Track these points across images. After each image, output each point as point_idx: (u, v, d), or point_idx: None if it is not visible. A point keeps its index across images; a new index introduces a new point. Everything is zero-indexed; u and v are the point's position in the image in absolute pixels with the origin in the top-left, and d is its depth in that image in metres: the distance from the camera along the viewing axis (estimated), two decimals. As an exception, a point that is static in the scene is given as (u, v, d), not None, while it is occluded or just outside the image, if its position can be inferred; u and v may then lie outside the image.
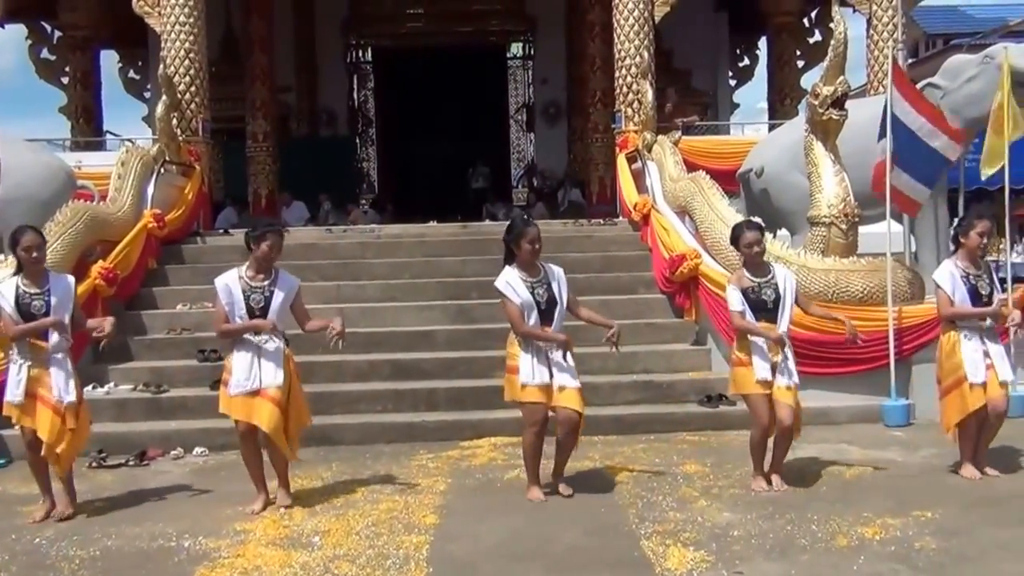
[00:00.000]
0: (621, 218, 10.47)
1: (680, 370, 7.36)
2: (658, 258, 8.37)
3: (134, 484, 5.60)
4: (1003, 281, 6.85)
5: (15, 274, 4.94)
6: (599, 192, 13.66)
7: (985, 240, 5.19)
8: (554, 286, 4.93)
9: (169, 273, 8.90)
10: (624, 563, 4.00)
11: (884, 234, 7.18)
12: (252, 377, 4.82)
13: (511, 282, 4.88)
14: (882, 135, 6.96)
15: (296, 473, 5.62)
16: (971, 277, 5.16)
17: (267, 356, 4.85)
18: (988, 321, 5.16)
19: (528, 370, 4.84)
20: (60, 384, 4.82)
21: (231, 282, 4.91)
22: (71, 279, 5.17)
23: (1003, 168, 7.25)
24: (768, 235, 7.42)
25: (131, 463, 6.05)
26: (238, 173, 13.71)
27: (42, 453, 4.83)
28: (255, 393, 4.83)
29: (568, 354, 4.94)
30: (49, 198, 7.99)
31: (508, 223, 5.18)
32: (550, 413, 4.96)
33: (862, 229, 7.33)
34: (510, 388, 4.96)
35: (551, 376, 4.86)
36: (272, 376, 4.83)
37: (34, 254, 4.86)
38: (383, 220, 13.80)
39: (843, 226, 7.06)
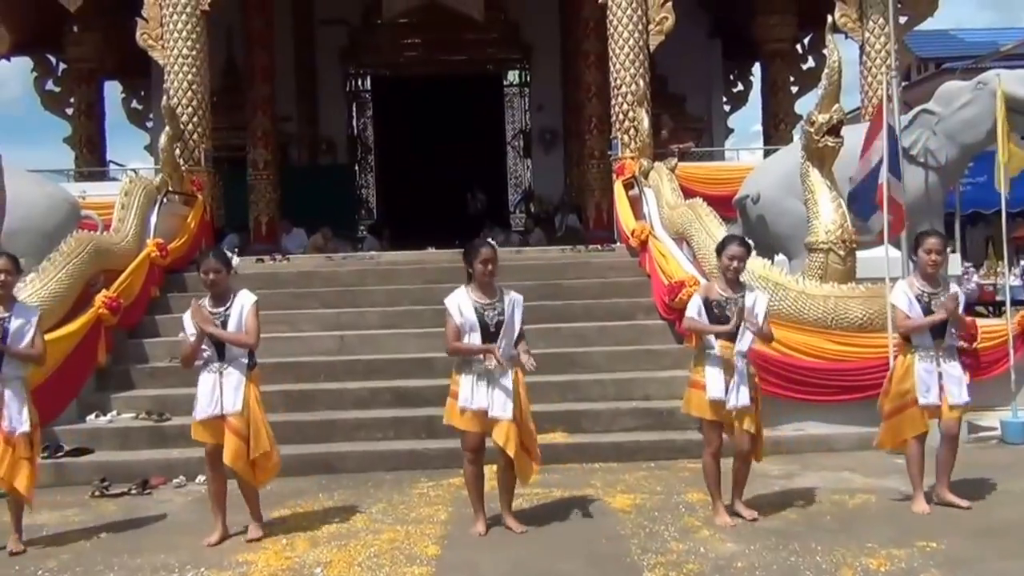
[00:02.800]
0: (619, 244, 10.53)
1: (680, 397, 7.27)
2: (657, 284, 8.42)
3: (137, 513, 5.60)
4: (1000, 304, 6.91)
5: None
6: (596, 218, 13.73)
7: (934, 257, 5.13)
8: (507, 311, 4.84)
9: (171, 301, 8.93)
10: (627, 593, 4.00)
11: (882, 258, 7.26)
12: (214, 403, 4.82)
13: (459, 301, 4.85)
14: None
15: (298, 502, 5.64)
16: (926, 295, 5.12)
17: (227, 383, 4.82)
18: (945, 341, 5.10)
19: (467, 394, 4.78)
20: (12, 415, 4.79)
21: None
22: (36, 311, 5.12)
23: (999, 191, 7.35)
24: (765, 261, 7.52)
25: (134, 491, 6.05)
26: (239, 201, 13.79)
27: None
28: (219, 419, 4.83)
29: (512, 382, 4.78)
30: (53, 229, 8.06)
31: (467, 246, 5.05)
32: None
33: (859, 254, 7.40)
34: (449, 412, 4.91)
35: (489, 403, 4.76)
36: (232, 403, 4.80)
37: (2, 278, 4.84)
38: (382, 247, 13.88)
39: (841, 252, 7.13)
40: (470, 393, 4.78)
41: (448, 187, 17.29)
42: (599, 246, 10.80)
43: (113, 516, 5.54)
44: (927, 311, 5.10)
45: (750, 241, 5.50)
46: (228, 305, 4.91)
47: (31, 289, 6.94)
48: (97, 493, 5.98)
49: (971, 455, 6.02)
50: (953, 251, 6.11)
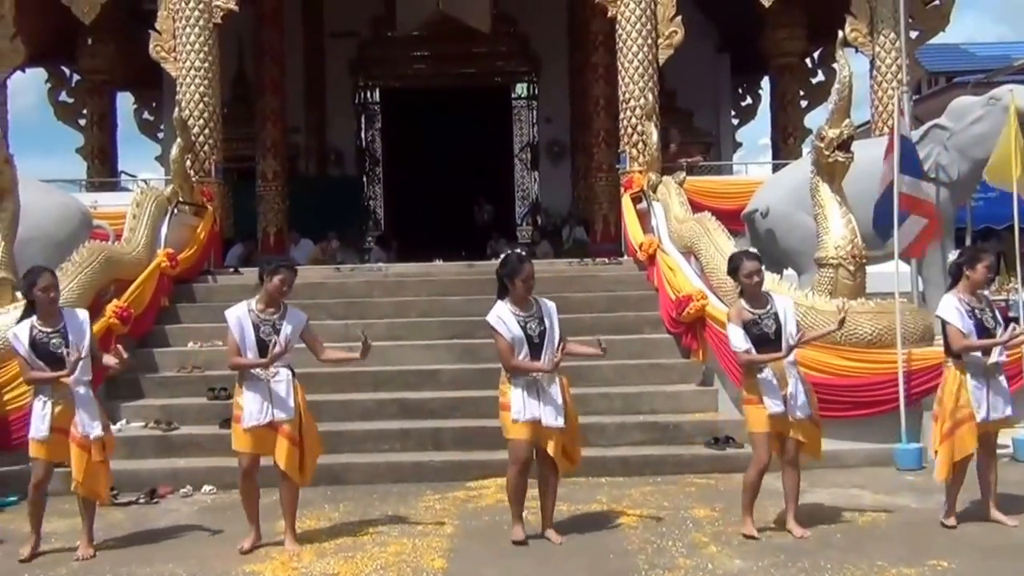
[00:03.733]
0: (626, 257, 10.53)
1: (687, 411, 7.34)
2: (665, 298, 8.40)
3: (144, 522, 5.62)
4: (1015, 320, 6.88)
5: (24, 315, 5.02)
6: (603, 231, 13.74)
7: (992, 274, 5.17)
8: (547, 321, 4.96)
9: (181, 311, 8.97)
10: (635, 609, 3.98)
11: (892, 274, 7.23)
12: (264, 411, 4.87)
13: (503, 317, 4.92)
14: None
15: (304, 513, 5.62)
16: (976, 311, 5.10)
17: (278, 390, 4.90)
18: (993, 357, 5.08)
19: (519, 405, 4.85)
20: (85, 419, 4.89)
21: (241, 315, 4.97)
22: (85, 313, 5.24)
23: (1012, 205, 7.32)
24: (774, 276, 7.50)
25: (142, 501, 6.07)
26: (247, 212, 13.85)
27: (72, 489, 4.90)
28: (269, 427, 4.88)
29: (560, 389, 4.89)
30: (65, 238, 8.11)
31: (503, 258, 5.23)
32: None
33: (869, 269, 7.38)
34: (505, 425, 4.98)
35: (541, 413, 4.85)
36: (284, 410, 4.89)
37: (51, 294, 4.97)
38: (389, 258, 13.89)
39: (851, 267, 7.10)
40: (522, 404, 4.85)
41: (455, 199, 17.33)
42: (606, 259, 10.80)
43: (121, 525, 5.55)
44: (979, 325, 5.07)
45: (754, 250, 5.48)
46: (283, 311, 5.03)
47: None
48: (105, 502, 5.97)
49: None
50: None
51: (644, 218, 10.11)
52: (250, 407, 4.89)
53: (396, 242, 16.07)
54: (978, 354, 5.10)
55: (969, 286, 5.16)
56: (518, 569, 4.56)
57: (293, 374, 5.02)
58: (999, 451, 6.73)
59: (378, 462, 6.66)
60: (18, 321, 5.08)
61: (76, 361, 4.83)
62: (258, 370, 4.90)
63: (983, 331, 5.08)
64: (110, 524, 5.53)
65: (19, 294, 7.10)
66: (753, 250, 5.32)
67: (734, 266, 5.17)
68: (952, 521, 5.09)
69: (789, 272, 8.61)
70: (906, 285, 7.60)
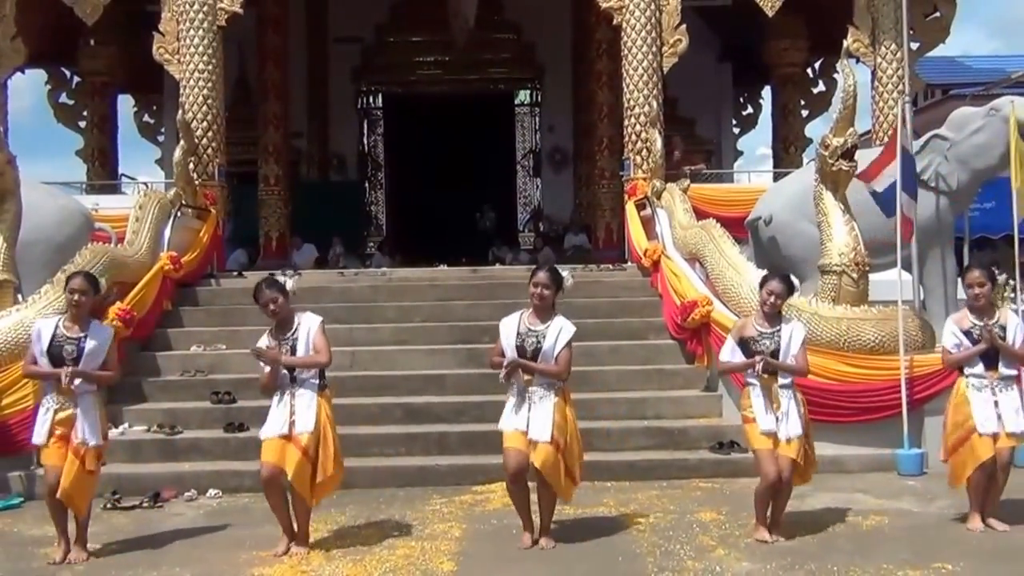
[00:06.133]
0: (630, 263, 10.56)
1: (691, 416, 7.36)
2: (669, 304, 8.42)
3: (148, 526, 5.60)
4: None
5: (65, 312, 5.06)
6: (606, 237, 13.77)
7: (977, 291, 5.13)
8: (548, 340, 4.87)
9: (183, 315, 8.96)
10: (645, 612, 3.99)
11: (894, 281, 7.27)
12: (283, 422, 4.86)
13: (508, 323, 4.97)
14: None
15: (311, 516, 5.60)
16: (977, 328, 5.13)
17: (299, 402, 4.88)
18: (1000, 371, 5.11)
19: (506, 414, 4.89)
20: (85, 428, 4.86)
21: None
22: (111, 331, 5.23)
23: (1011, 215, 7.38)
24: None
25: (145, 504, 6.05)
26: (247, 216, 13.85)
27: (57, 494, 4.84)
28: (286, 438, 4.86)
29: (552, 406, 4.82)
30: (65, 240, 8.09)
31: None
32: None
33: (872, 276, 7.41)
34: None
35: (527, 425, 4.83)
36: (303, 422, 4.86)
37: (75, 297, 4.96)
38: (392, 263, 13.90)
39: (854, 275, 7.14)
40: (510, 412, 4.87)
41: (457, 205, 17.36)
42: (610, 266, 10.82)
43: (126, 528, 5.54)
44: (977, 344, 5.12)
45: (796, 281, 5.50)
46: (294, 329, 4.96)
47: (46, 300, 6.96)
48: (109, 506, 5.97)
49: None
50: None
51: (648, 224, 10.14)
52: (272, 419, 4.91)
53: (398, 248, 16.09)
54: (979, 368, 5.12)
55: (968, 305, 5.26)
56: (528, 572, 4.57)
57: (322, 389, 4.96)
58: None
59: (384, 466, 6.65)
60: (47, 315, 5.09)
61: (70, 382, 4.80)
62: (285, 386, 4.88)
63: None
64: (114, 528, 5.52)
65: (20, 296, 7.14)
66: (790, 275, 5.40)
67: (763, 280, 5.27)
68: (976, 523, 5.10)
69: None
70: (908, 293, 7.63)
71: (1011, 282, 8.23)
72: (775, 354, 4.99)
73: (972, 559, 4.61)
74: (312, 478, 4.89)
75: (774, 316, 5.13)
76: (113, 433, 6.95)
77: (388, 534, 5.27)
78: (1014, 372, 5.19)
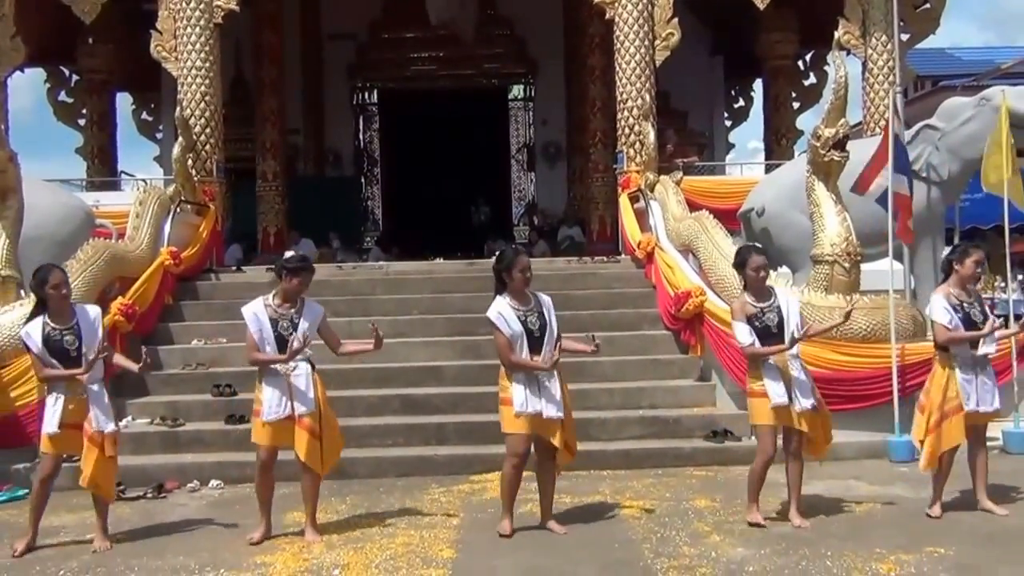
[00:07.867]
0: (624, 255, 10.65)
1: (686, 405, 7.46)
2: (663, 295, 8.52)
3: (153, 517, 5.69)
4: (1003, 318, 7.02)
5: (34, 314, 5.05)
6: (599, 230, 13.86)
7: (980, 269, 5.25)
8: (546, 315, 5.01)
9: (184, 309, 9.04)
10: (641, 595, 4.07)
11: (885, 271, 7.37)
12: (283, 404, 4.94)
13: (503, 312, 4.96)
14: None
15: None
16: (964, 305, 5.21)
17: (297, 383, 4.97)
18: (982, 350, 5.19)
19: (521, 399, 4.90)
20: (99, 416, 4.96)
21: (258, 311, 5.03)
22: (97, 310, 5.29)
23: (1001, 205, 7.47)
24: (771, 272, 7.62)
25: (149, 495, 6.14)
26: (244, 212, 13.93)
27: (81, 482, 4.96)
28: (289, 420, 4.95)
29: (559, 384, 4.96)
30: (67, 237, 8.16)
31: (499, 253, 5.27)
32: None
33: (863, 266, 7.51)
34: (505, 420, 5.01)
35: (543, 406, 4.91)
36: (304, 403, 4.96)
37: (63, 291, 5.02)
38: (388, 257, 13.98)
39: (846, 264, 7.23)
40: (524, 398, 4.90)
41: (453, 199, 17.43)
42: (604, 258, 10.91)
43: (130, 519, 5.62)
44: (966, 319, 5.18)
45: (760, 245, 5.57)
46: (300, 306, 5.06)
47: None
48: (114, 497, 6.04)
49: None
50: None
51: (641, 217, 10.23)
52: (269, 401, 4.95)
53: (394, 242, 16.16)
54: (965, 346, 5.19)
55: (958, 281, 5.27)
56: (526, 559, 4.65)
57: (313, 368, 5.07)
58: (989, 443, 6.92)
59: (383, 456, 6.75)
60: (27, 319, 5.10)
61: (93, 361, 4.89)
62: (277, 365, 4.96)
63: (970, 325, 5.18)
64: (119, 518, 5.58)
65: (23, 292, 7.20)
66: (759, 245, 5.41)
67: (741, 260, 5.27)
68: (937, 511, 5.18)
69: (784, 269, 8.73)
70: (899, 282, 7.73)
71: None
72: (781, 325, 5.05)
73: (964, 543, 4.68)
74: (321, 454, 5.02)
75: (764, 289, 5.19)
76: (116, 426, 7.11)
77: (388, 522, 5.36)
78: (993, 351, 5.29)
